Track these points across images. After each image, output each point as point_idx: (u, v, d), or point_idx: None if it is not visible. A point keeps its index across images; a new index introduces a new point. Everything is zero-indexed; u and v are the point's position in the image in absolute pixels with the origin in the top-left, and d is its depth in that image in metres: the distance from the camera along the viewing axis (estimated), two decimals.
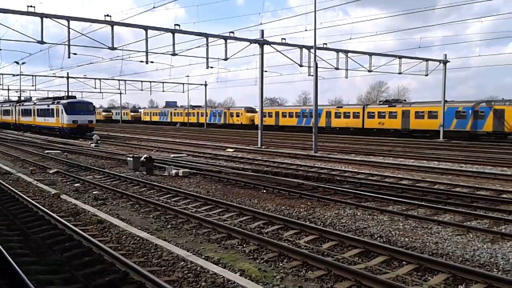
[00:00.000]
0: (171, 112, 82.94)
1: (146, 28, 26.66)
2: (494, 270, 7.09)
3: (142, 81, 64.84)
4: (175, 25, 27.26)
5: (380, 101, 52.18)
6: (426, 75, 39.75)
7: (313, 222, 10.20)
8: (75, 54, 30.48)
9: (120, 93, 75.55)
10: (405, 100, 52.96)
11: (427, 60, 39.36)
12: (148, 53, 27.86)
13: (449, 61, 40.09)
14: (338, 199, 12.45)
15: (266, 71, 33.16)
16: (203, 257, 7.71)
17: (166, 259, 7.56)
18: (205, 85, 72.54)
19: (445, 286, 6.39)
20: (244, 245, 8.41)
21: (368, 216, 10.70)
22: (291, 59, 32.58)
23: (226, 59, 29.62)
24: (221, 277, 6.66)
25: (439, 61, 40.03)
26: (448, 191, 13.66)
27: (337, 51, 34.09)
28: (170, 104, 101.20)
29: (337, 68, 34.23)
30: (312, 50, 28.29)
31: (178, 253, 7.78)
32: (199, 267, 7.09)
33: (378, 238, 8.92)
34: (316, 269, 7.05)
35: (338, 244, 8.34)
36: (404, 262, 7.29)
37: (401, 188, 14.07)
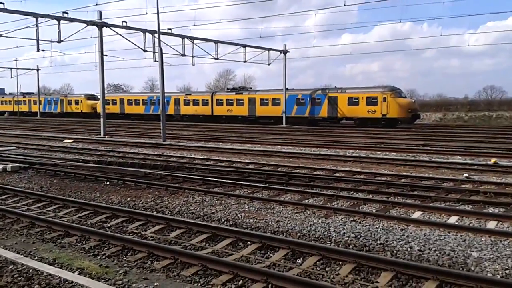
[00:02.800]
0: None
1: None
2: (328, 242, 7.72)
3: None
4: None
5: (228, 89, 53.48)
6: (269, 64, 42.08)
7: (161, 211, 9.95)
8: None
9: None
10: (251, 88, 55.18)
11: (269, 49, 41.64)
12: None
13: (289, 51, 43.09)
14: (187, 186, 12.35)
15: (107, 56, 31.44)
16: (36, 258, 6.97)
17: None
18: (37, 69, 66.05)
19: (285, 261, 6.74)
20: (84, 242, 7.78)
21: (216, 201, 10.82)
22: (134, 44, 31.32)
23: (59, 41, 27.25)
24: (57, 278, 6.07)
25: (280, 51, 42.67)
26: (289, 173, 14.59)
27: (183, 37, 33.88)
28: None
29: (183, 55, 34.04)
30: (157, 35, 27.59)
31: (7, 256, 6.92)
32: (31, 269, 6.40)
33: (225, 222, 9.06)
34: (162, 258, 6.84)
35: (186, 232, 8.24)
36: (248, 243, 7.50)
37: (248, 172, 14.59)
